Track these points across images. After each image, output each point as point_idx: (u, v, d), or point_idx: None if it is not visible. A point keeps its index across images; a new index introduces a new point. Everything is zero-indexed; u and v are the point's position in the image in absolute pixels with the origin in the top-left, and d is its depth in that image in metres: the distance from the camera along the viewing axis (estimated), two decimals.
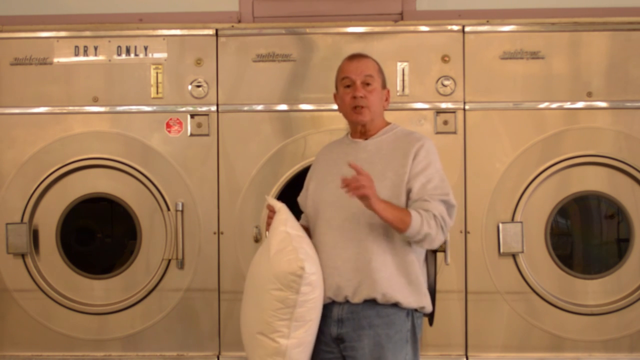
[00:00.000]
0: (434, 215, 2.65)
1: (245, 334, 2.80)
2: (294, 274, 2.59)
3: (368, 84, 2.79)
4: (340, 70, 2.87)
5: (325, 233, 2.74)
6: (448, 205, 2.71)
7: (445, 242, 3.51)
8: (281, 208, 2.76)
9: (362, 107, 2.78)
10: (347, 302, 2.70)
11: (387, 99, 2.88)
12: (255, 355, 2.73)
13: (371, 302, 2.68)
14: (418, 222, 2.62)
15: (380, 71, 2.85)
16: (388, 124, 2.88)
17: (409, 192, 2.71)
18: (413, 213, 2.63)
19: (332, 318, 2.72)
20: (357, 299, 2.68)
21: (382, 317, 2.68)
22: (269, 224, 2.79)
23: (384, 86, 2.86)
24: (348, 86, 2.81)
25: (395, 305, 2.68)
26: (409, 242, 2.70)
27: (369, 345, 2.67)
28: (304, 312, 2.64)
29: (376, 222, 2.67)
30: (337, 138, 3.01)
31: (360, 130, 2.85)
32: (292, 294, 2.61)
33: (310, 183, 2.91)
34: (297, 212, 2.90)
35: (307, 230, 2.85)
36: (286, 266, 2.60)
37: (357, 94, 2.77)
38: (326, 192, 2.79)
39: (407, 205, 2.70)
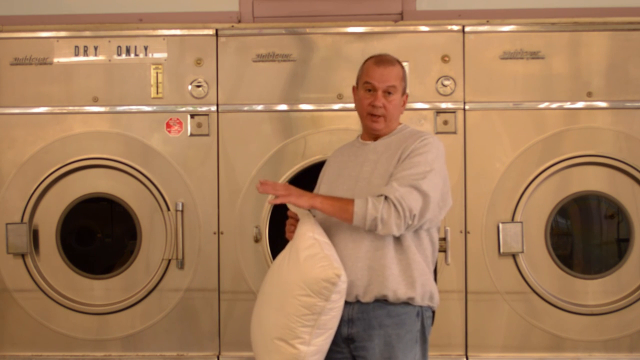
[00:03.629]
0: (386, 198, 2.60)
1: (259, 338, 2.77)
2: (328, 281, 2.57)
3: (389, 93, 2.77)
4: (364, 70, 2.83)
5: (335, 234, 2.75)
6: (419, 192, 2.63)
7: (445, 242, 3.52)
8: (306, 214, 2.75)
9: (378, 115, 2.78)
10: (357, 301, 2.70)
11: (404, 104, 2.86)
12: None
13: (381, 302, 2.68)
14: (362, 208, 2.60)
15: (404, 78, 2.82)
16: (399, 124, 2.87)
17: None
18: (357, 200, 2.63)
19: (342, 318, 2.71)
20: (367, 297, 2.68)
21: (392, 317, 2.68)
22: (290, 231, 2.79)
23: (404, 92, 2.83)
24: (369, 90, 2.78)
25: (406, 304, 2.69)
26: (415, 242, 2.70)
27: (379, 345, 2.67)
28: (328, 320, 2.63)
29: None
30: (341, 138, 3.00)
31: (372, 133, 2.84)
32: (321, 301, 2.59)
33: (321, 185, 2.91)
34: None
35: None
36: (320, 273, 2.58)
37: (376, 103, 2.76)
38: (336, 193, 2.79)
39: None
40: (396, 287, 2.66)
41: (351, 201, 2.63)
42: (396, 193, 2.60)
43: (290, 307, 2.62)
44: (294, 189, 2.69)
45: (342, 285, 2.61)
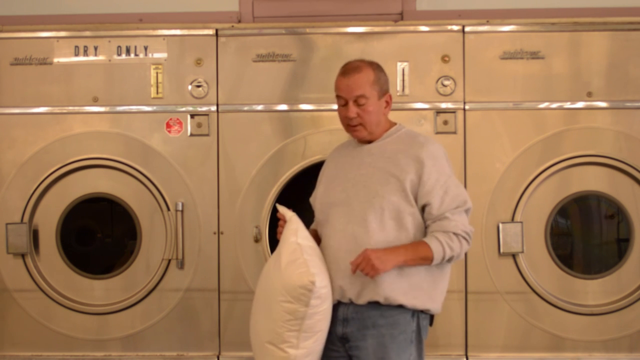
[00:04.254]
0: (455, 234, 2.66)
1: (254, 342, 2.80)
2: (304, 287, 2.59)
3: (360, 103, 2.74)
4: (335, 83, 2.81)
5: (330, 236, 2.75)
6: (467, 212, 2.73)
7: None
8: (292, 217, 2.75)
9: (356, 125, 2.76)
10: (352, 302, 2.70)
11: (387, 105, 2.81)
12: None
13: (375, 303, 2.68)
14: (440, 253, 2.65)
15: (376, 82, 2.75)
16: (393, 125, 2.86)
17: (425, 206, 2.69)
18: (433, 244, 2.64)
19: (337, 318, 2.72)
20: (361, 300, 2.68)
21: (386, 317, 2.68)
22: (279, 233, 2.79)
23: (383, 94, 2.78)
24: (342, 105, 2.77)
25: (400, 306, 2.68)
26: None
27: (372, 345, 2.67)
28: (313, 324, 2.64)
29: (379, 226, 2.67)
30: (341, 138, 3.01)
31: None
32: (302, 307, 2.61)
33: (319, 185, 2.91)
34: (305, 212, 2.91)
35: (317, 234, 2.86)
36: (297, 279, 2.60)
37: (349, 115, 2.74)
38: (332, 195, 2.79)
39: (423, 217, 2.71)
40: (388, 294, 2.66)
41: (428, 248, 2.63)
42: (460, 225, 2.68)
43: (275, 313, 2.64)
44: (375, 259, 2.58)
45: (321, 291, 2.62)
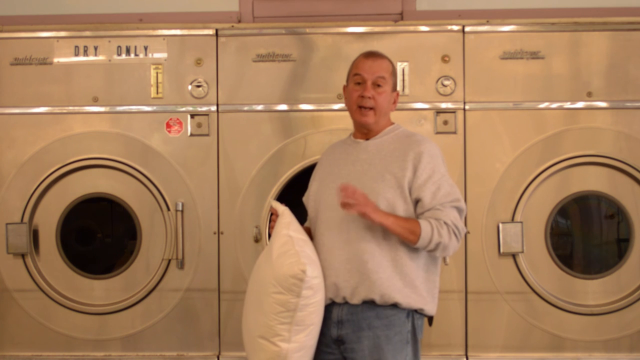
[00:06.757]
0: (446, 224, 2.65)
1: (246, 337, 2.80)
2: (295, 277, 2.58)
3: (379, 85, 2.77)
4: (354, 65, 2.85)
5: (323, 234, 2.75)
6: (459, 211, 2.72)
7: None
8: (284, 211, 2.76)
9: (368, 108, 2.77)
10: (346, 303, 2.70)
11: (395, 102, 2.87)
12: (256, 358, 2.72)
13: (370, 303, 2.68)
14: (428, 233, 2.63)
15: (394, 73, 2.84)
16: (392, 124, 2.87)
17: (417, 201, 2.70)
18: (423, 223, 2.64)
19: (332, 320, 2.72)
20: (355, 300, 2.68)
21: (381, 318, 2.68)
22: (272, 227, 2.79)
23: (394, 88, 2.84)
24: (358, 83, 2.79)
25: (395, 306, 2.68)
26: (407, 245, 2.69)
27: (368, 346, 2.67)
28: (305, 316, 2.64)
29: (374, 224, 2.67)
30: (340, 138, 3.01)
31: (363, 131, 2.84)
32: (293, 298, 2.60)
33: (313, 183, 2.91)
34: (301, 212, 2.91)
35: (311, 232, 2.86)
36: (288, 269, 2.60)
37: (365, 94, 2.76)
38: (326, 192, 2.79)
39: (415, 212, 2.71)
40: (384, 292, 2.66)
41: (417, 224, 2.64)
42: (451, 217, 2.67)
43: (267, 305, 2.64)
44: (372, 202, 2.63)
45: (312, 281, 2.61)
